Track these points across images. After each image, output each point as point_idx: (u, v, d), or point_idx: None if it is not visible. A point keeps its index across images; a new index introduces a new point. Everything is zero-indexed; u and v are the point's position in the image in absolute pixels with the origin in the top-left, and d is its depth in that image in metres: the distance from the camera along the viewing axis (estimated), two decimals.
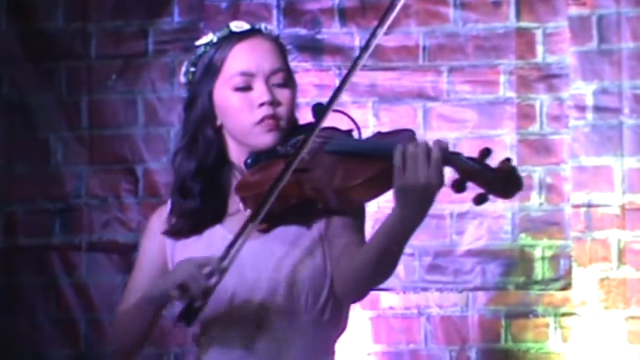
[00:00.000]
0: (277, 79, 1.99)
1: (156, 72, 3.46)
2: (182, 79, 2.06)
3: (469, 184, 1.78)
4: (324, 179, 1.90)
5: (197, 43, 2.05)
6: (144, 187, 3.44)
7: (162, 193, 3.39)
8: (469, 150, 3.24)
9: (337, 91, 1.92)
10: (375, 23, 3.36)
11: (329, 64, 3.38)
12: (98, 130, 3.46)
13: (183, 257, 1.96)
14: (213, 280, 1.85)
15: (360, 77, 3.38)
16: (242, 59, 1.99)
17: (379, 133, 2.02)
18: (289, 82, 2.01)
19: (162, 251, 2.05)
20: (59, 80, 3.47)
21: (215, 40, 2.02)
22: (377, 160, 1.85)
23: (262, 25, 2.04)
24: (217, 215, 2.01)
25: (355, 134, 2.01)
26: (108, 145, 3.45)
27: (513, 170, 1.76)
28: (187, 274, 1.85)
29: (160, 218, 2.06)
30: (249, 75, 1.98)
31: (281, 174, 1.88)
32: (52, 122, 3.46)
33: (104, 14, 3.46)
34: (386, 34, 3.35)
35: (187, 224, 2.01)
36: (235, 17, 3.42)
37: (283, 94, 1.99)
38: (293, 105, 2.01)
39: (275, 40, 2.02)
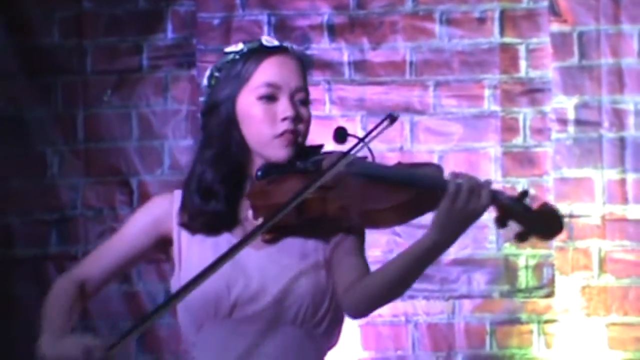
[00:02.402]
0: (300, 96, 1.99)
1: (150, 87, 3.46)
2: (205, 81, 2.03)
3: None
4: (351, 200, 1.90)
5: (227, 50, 2.03)
6: (138, 198, 3.43)
7: None
8: (455, 161, 3.30)
9: (372, 130, 1.90)
10: (363, 39, 3.41)
11: (319, 79, 3.37)
12: (93, 144, 3.46)
13: (192, 255, 1.97)
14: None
15: (349, 92, 3.40)
16: (271, 71, 1.97)
17: (399, 163, 2.04)
18: (308, 101, 2.02)
19: (156, 229, 2.02)
20: (55, 95, 3.47)
21: (245, 50, 2.00)
22: (407, 188, 1.86)
23: (290, 45, 2.04)
24: (233, 221, 1.99)
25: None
26: (103, 158, 3.45)
27: (553, 212, 1.84)
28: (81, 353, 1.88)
29: (163, 204, 2.02)
30: (275, 87, 1.97)
31: (304, 188, 1.87)
32: (49, 136, 3.46)
33: (99, 30, 3.47)
34: (374, 49, 3.39)
35: (205, 224, 1.98)
36: (227, 34, 3.46)
37: (304, 112, 1.99)
38: (309, 125, 2.01)
39: (301, 60, 2.02)
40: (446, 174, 1.91)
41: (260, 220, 1.93)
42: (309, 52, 3.41)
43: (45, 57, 3.45)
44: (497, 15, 3.36)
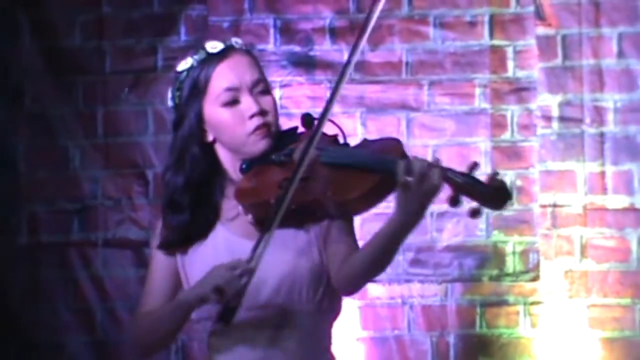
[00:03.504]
0: (259, 87, 1.97)
1: (165, 86, 3.26)
2: (169, 103, 2.01)
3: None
4: (321, 191, 1.88)
5: (178, 69, 1.99)
6: (153, 189, 3.44)
7: None
8: (448, 155, 3.36)
9: (328, 103, 1.91)
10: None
11: (321, 78, 3.40)
12: (112, 138, 3.46)
13: (193, 263, 1.96)
14: (244, 280, 1.84)
15: (349, 90, 3.39)
16: (225, 77, 1.95)
17: (365, 140, 2.01)
18: (268, 89, 2.00)
19: (171, 258, 2.02)
20: (77, 93, 3.48)
21: (195, 64, 1.97)
22: (372, 174, 1.85)
23: (234, 41, 2.01)
24: (207, 224, 1.98)
25: (340, 139, 1.99)
26: (121, 151, 3.46)
27: (502, 184, 1.79)
28: (221, 278, 1.84)
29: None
30: (234, 90, 1.95)
31: (288, 183, 1.85)
32: (71, 131, 3.47)
33: (117, 33, 3.47)
34: (372, 50, 3.42)
35: (178, 238, 1.97)
36: (236, 35, 3.30)
37: (267, 101, 1.98)
38: (277, 110, 1.99)
39: (250, 53, 2.00)
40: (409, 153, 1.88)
41: (250, 217, 1.91)
42: (312, 53, 3.42)
43: (68, 58, 3.46)
44: (486, 19, 3.37)
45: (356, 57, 2.00)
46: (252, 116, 1.96)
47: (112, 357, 3.42)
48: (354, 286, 1.93)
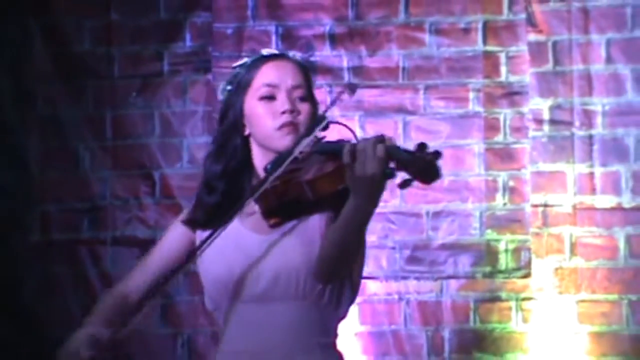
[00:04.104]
0: (298, 93, 2.04)
1: (170, 90, 3.49)
2: (220, 96, 2.11)
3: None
4: (302, 175, 1.93)
5: (234, 65, 2.11)
6: (160, 189, 3.47)
7: (176, 195, 3.43)
8: (443, 157, 3.32)
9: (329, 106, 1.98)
10: (361, 47, 3.45)
11: (321, 83, 3.40)
12: (120, 141, 3.49)
13: (209, 250, 1.97)
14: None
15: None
16: (268, 74, 2.05)
17: (330, 142, 2.03)
18: (309, 98, 2.06)
19: (182, 242, 2.07)
20: (86, 97, 3.50)
21: (248, 62, 2.09)
22: (336, 157, 1.88)
23: (290, 53, 2.12)
24: (227, 213, 1.98)
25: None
26: (129, 153, 3.48)
27: (432, 160, 1.76)
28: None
29: (183, 217, 2.09)
30: (273, 86, 2.04)
31: (268, 173, 1.91)
32: (81, 133, 3.49)
33: (125, 39, 3.49)
34: (370, 56, 3.45)
35: (204, 216, 2.03)
36: (239, 42, 3.48)
37: (303, 107, 2.04)
38: (310, 118, 2.04)
39: (298, 62, 2.08)
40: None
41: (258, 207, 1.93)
42: (312, 59, 3.44)
43: (78, 63, 3.49)
44: (480, 26, 3.40)
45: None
46: (283, 112, 2.03)
47: (121, 349, 3.38)
48: (325, 273, 1.94)
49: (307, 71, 2.10)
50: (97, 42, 3.51)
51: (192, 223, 2.08)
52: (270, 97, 2.05)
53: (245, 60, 2.11)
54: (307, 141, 1.93)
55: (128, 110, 3.51)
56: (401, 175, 1.81)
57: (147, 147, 3.49)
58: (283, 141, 2.03)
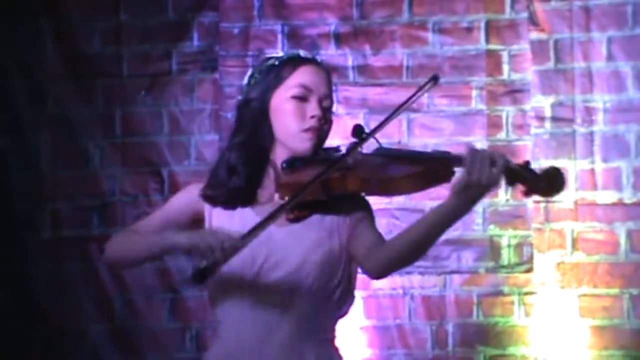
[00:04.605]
0: (327, 102, 2.08)
1: (179, 89, 3.51)
2: (245, 80, 2.11)
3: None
4: (370, 172, 1.95)
5: (268, 55, 2.13)
6: (168, 186, 3.49)
7: None
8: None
9: (384, 121, 2.00)
10: (365, 46, 3.46)
11: None
12: (129, 138, 3.51)
13: (217, 224, 2.04)
14: (229, 252, 1.87)
15: (352, 92, 3.44)
16: (306, 75, 2.07)
17: (419, 151, 2.09)
18: (332, 109, 2.11)
19: (191, 207, 2.08)
20: (96, 96, 3.53)
21: (285, 57, 2.10)
22: (417, 163, 1.94)
23: (321, 60, 2.15)
24: (250, 197, 2.06)
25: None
26: (138, 151, 3.50)
27: (555, 174, 1.89)
28: (215, 240, 1.87)
29: (197, 188, 2.10)
30: (308, 89, 2.06)
31: (324, 169, 1.92)
32: (91, 132, 3.51)
33: (134, 39, 3.52)
34: (375, 55, 3.46)
35: (225, 196, 2.05)
36: (246, 41, 3.49)
37: (328, 116, 2.09)
38: (330, 128, 2.09)
39: (329, 72, 2.13)
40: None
41: (285, 200, 1.96)
42: (317, 57, 3.48)
43: (88, 63, 3.51)
44: (482, 25, 3.42)
45: None
46: (313, 116, 2.05)
47: (131, 343, 3.46)
48: (387, 269, 1.97)
49: (332, 82, 2.13)
50: (107, 43, 3.53)
51: (212, 199, 2.08)
52: (303, 98, 2.07)
53: (281, 54, 2.13)
54: (357, 151, 1.97)
55: (137, 108, 3.53)
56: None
57: (155, 145, 3.50)
58: (304, 144, 2.06)
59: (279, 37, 3.49)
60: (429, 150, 2.05)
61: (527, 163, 1.91)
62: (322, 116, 2.06)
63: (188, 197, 2.12)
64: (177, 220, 2.10)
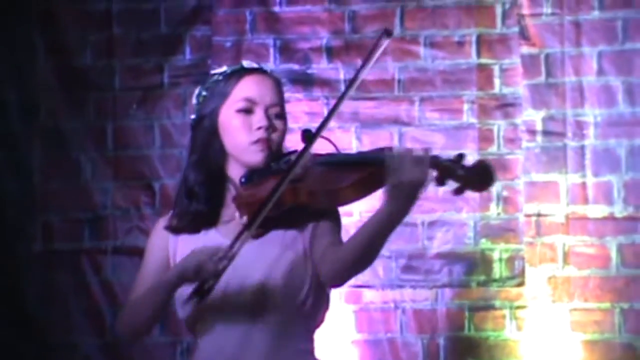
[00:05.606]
0: (275, 110, 2.07)
1: (171, 102, 3.52)
2: (194, 100, 2.11)
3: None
4: (317, 184, 1.94)
5: (213, 72, 2.12)
6: (160, 199, 3.50)
7: None
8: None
9: (325, 121, 1.97)
10: (357, 59, 3.48)
11: (318, 95, 3.46)
12: (121, 151, 3.52)
13: (184, 252, 2.00)
14: (223, 263, 1.89)
15: (344, 106, 3.19)
16: (248, 88, 2.06)
17: (360, 152, 2.10)
18: (283, 115, 2.09)
19: (166, 249, 2.08)
20: (88, 109, 3.53)
21: (228, 71, 2.09)
22: (364, 166, 1.92)
23: (267, 69, 2.14)
24: (213, 219, 2.05)
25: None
26: (130, 164, 3.51)
27: (486, 167, 1.83)
28: (202, 258, 1.90)
29: (164, 223, 2.11)
30: (251, 101, 2.05)
31: (278, 184, 1.91)
32: (83, 144, 3.52)
33: (126, 52, 3.52)
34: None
35: (188, 223, 2.05)
36: (238, 55, 3.49)
37: (278, 124, 2.07)
38: (284, 135, 2.08)
39: (277, 80, 2.11)
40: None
41: (245, 219, 1.96)
42: (309, 71, 3.47)
43: (80, 76, 3.52)
44: (474, 39, 3.43)
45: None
46: (259, 128, 2.05)
47: (121, 356, 3.45)
48: (341, 278, 1.97)
49: (282, 88, 2.12)
50: (99, 56, 3.54)
51: (177, 230, 2.09)
52: (248, 111, 2.07)
53: (224, 68, 2.11)
54: (307, 156, 1.95)
55: (129, 121, 3.54)
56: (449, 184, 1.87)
57: (147, 158, 3.51)
58: (256, 156, 2.06)
59: (271, 50, 3.51)
60: (371, 152, 2.00)
61: (461, 156, 1.86)
62: (269, 125, 2.06)
63: (159, 238, 2.12)
64: (164, 264, 2.09)
